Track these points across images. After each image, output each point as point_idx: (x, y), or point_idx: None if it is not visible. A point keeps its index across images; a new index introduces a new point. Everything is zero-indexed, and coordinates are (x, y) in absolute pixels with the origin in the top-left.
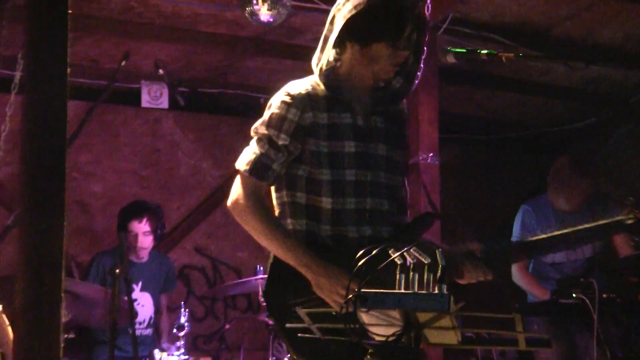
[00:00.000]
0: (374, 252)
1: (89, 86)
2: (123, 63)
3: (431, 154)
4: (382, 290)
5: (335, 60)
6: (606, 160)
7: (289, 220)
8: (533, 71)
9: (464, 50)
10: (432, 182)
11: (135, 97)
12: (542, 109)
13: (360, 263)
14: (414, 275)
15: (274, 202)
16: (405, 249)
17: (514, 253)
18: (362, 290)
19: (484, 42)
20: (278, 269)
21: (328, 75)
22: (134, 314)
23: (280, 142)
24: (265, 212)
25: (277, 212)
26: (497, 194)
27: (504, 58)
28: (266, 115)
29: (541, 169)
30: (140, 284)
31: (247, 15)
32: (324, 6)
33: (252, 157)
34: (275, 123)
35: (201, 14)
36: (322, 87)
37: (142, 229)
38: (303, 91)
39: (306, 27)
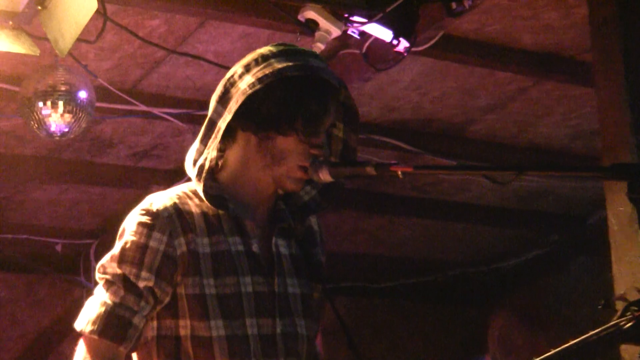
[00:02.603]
0: None
1: None
2: None
3: None
4: None
5: (219, 156)
6: (558, 308)
7: None
8: (448, 186)
9: (343, 164)
10: None
11: None
12: (463, 240)
13: None
14: None
15: None
16: None
17: None
18: None
19: (377, 149)
20: None
21: (208, 179)
22: None
23: (142, 284)
24: None
25: None
26: None
27: (399, 172)
28: (117, 247)
29: (467, 324)
30: None
31: (32, 125)
32: (142, 107)
33: (100, 310)
34: (131, 256)
35: None
36: (197, 199)
37: None
38: (169, 207)
39: (119, 137)
